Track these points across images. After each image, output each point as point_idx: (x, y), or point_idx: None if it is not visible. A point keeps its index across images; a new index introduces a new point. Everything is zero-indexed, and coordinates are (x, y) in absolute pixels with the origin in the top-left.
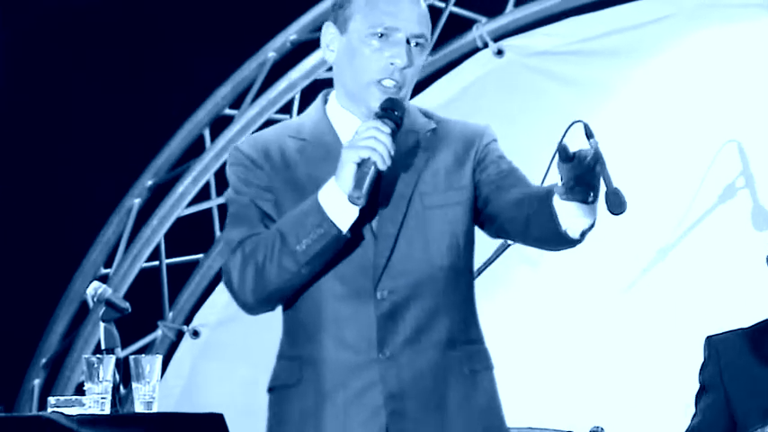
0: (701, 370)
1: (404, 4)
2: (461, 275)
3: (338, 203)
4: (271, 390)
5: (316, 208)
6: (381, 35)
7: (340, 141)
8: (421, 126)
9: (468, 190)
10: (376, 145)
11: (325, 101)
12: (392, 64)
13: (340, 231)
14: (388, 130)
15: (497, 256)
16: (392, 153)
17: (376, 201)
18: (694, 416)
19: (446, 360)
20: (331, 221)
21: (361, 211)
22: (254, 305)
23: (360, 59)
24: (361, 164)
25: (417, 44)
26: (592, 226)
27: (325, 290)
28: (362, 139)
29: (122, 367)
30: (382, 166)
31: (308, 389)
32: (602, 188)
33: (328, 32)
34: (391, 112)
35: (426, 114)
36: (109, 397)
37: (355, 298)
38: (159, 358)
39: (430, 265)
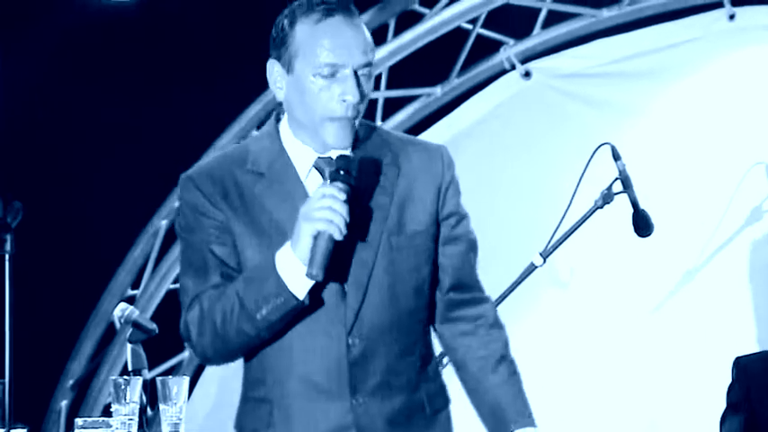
0: (728, 391)
1: (347, 36)
2: (421, 315)
3: (296, 274)
4: None
5: (274, 277)
6: (328, 73)
7: (299, 177)
8: (379, 154)
9: (432, 233)
10: (332, 216)
11: (278, 127)
12: (344, 101)
13: (299, 300)
14: (343, 196)
15: (525, 278)
16: (348, 220)
17: (343, 245)
18: None
19: (412, 402)
20: (290, 292)
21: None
22: (215, 359)
23: (310, 98)
24: (318, 236)
25: (365, 74)
26: None
27: (293, 334)
28: (318, 209)
29: (149, 389)
30: (339, 237)
31: None
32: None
33: (274, 71)
34: (346, 174)
35: (381, 136)
36: (136, 419)
37: (326, 342)
38: (186, 380)
39: (398, 308)
